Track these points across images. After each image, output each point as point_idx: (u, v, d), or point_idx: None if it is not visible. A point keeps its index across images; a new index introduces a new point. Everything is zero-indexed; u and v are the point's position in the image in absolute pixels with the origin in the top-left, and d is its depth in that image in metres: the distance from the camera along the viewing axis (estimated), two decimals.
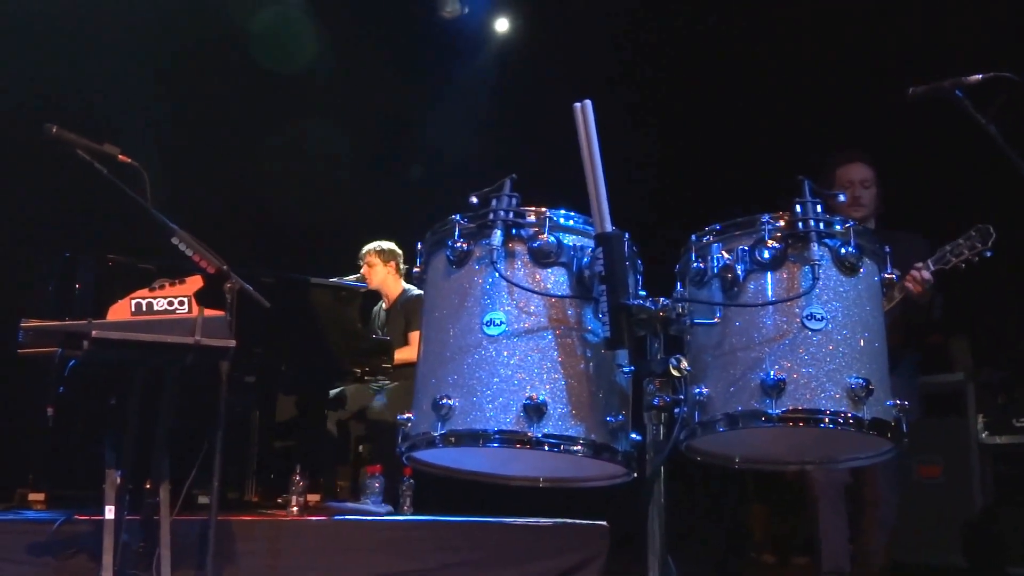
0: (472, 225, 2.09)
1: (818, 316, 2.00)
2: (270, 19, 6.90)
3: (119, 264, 4.09)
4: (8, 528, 4.17)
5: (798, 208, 2.06)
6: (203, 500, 4.20)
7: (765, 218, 2.08)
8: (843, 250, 2.04)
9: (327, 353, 5.02)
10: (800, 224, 2.04)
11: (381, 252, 5.85)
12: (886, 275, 2.14)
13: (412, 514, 5.02)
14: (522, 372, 2.01)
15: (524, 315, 2.03)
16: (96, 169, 3.56)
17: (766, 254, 2.05)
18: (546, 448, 1.99)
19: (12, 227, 5.90)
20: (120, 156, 3.61)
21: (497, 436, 2.00)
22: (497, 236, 2.05)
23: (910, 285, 3.62)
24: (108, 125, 4.71)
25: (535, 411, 1.98)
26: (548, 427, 1.99)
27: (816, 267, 2.01)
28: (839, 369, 1.98)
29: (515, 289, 2.03)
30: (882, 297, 2.13)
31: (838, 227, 2.06)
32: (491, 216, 2.07)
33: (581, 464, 2.14)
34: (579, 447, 2.00)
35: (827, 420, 1.97)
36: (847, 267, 2.05)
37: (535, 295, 2.03)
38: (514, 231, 2.06)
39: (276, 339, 4.69)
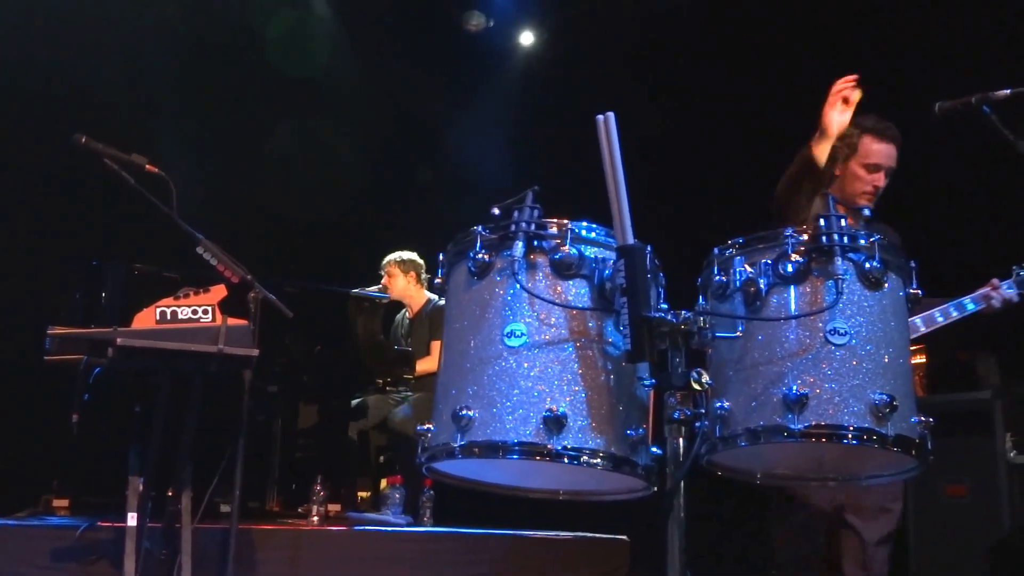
0: (494, 237, 2.09)
1: (841, 331, 1.98)
2: (293, 27, 6.96)
3: (145, 273, 4.14)
4: (32, 534, 4.21)
5: (822, 222, 2.04)
6: (224, 508, 4.21)
7: (788, 232, 2.07)
8: (867, 264, 2.03)
9: (349, 363, 5.04)
10: (824, 238, 2.03)
11: (401, 263, 5.87)
12: (911, 290, 2.11)
13: (432, 525, 5.02)
14: (542, 384, 2.00)
15: (545, 327, 2.02)
16: (123, 178, 3.60)
17: (789, 268, 2.03)
18: (565, 461, 1.98)
19: (40, 235, 5.97)
20: (147, 166, 3.64)
21: (517, 448, 1.99)
22: (518, 248, 2.04)
23: (993, 299, 3.55)
24: (132, 133, 4.77)
25: (555, 423, 1.98)
26: (568, 439, 1.98)
27: (840, 281, 1.99)
28: (862, 385, 1.96)
29: (536, 301, 2.02)
30: (907, 312, 2.11)
31: (862, 241, 2.05)
32: (513, 228, 2.07)
33: (600, 477, 2.13)
34: (599, 460, 1.99)
35: (850, 436, 1.95)
36: (871, 281, 2.03)
37: (556, 307, 2.02)
38: (535, 243, 2.06)
39: (298, 349, 4.71)
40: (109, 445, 4.43)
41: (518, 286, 2.02)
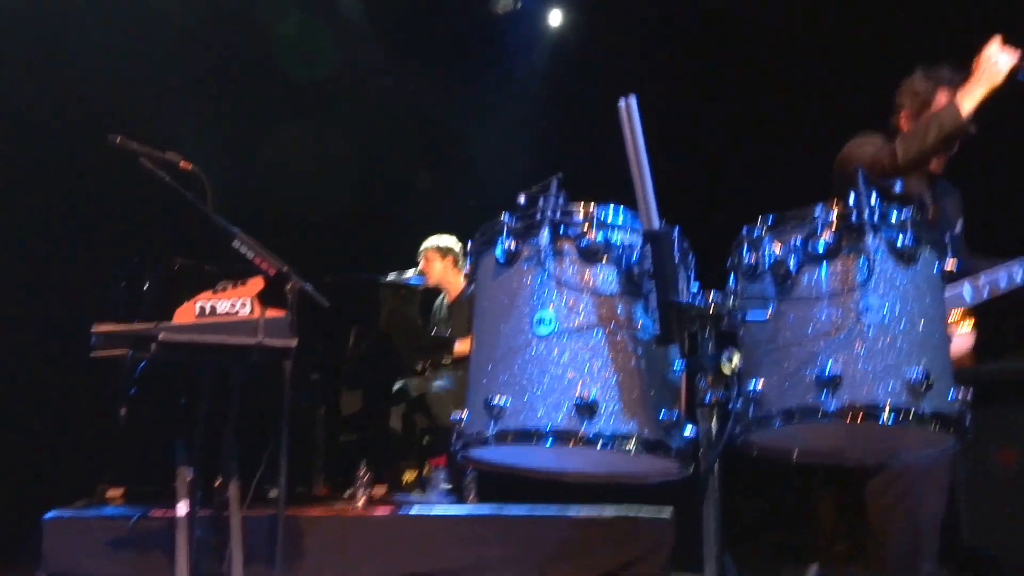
0: (520, 224, 2.09)
1: (874, 309, 1.95)
2: (317, 15, 6.96)
3: (184, 267, 4.20)
4: (88, 524, 4.33)
5: (852, 198, 2.01)
6: (272, 495, 4.28)
7: (818, 209, 2.04)
8: (899, 240, 1.99)
9: (388, 350, 5.08)
10: (854, 215, 1.99)
11: (439, 248, 5.89)
12: (946, 265, 2.08)
13: (476, 505, 5.06)
14: (573, 370, 2.00)
15: (574, 314, 2.02)
16: (158, 176, 3.65)
17: (819, 246, 2.00)
18: (598, 446, 1.98)
19: (82, 235, 6.09)
20: (182, 163, 3.69)
21: (549, 435, 2.00)
22: (545, 235, 2.04)
23: None
24: (162, 130, 4.83)
25: (586, 409, 1.98)
26: (600, 425, 1.98)
27: (871, 259, 1.97)
28: (897, 362, 1.94)
29: (564, 288, 2.02)
30: (942, 287, 2.08)
31: (894, 217, 2.01)
32: (539, 215, 2.06)
33: (635, 461, 2.13)
34: (632, 445, 1.99)
35: (885, 415, 1.93)
36: (904, 257, 2.00)
37: (584, 293, 2.02)
38: (562, 229, 2.06)
39: (338, 337, 4.76)
40: (158, 436, 4.52)
41: (546, 274, 2.03)
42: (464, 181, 7.19)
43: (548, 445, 2.01)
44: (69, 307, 5.10)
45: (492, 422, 2.04)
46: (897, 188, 2.19)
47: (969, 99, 3.13)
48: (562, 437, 1.99)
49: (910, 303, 1.98)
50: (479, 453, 2.19)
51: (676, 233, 2.09)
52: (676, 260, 2.02)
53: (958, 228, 3.39)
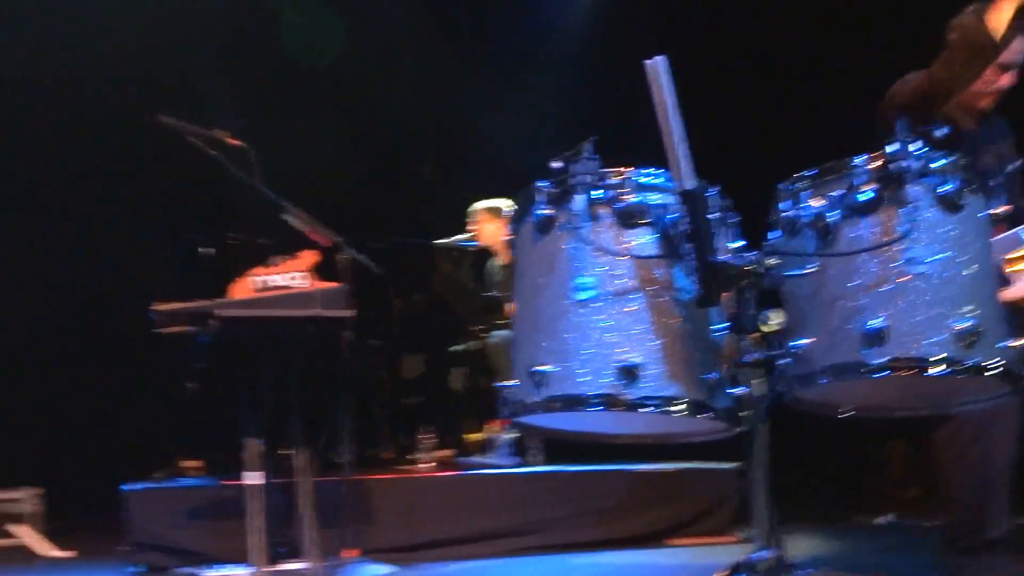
0: (555, 190, 2.08)
1: (918, 259, 1.91)
2: None
3: (239, 242, 4.27)
4: (167, 495, 4.48)
5: (892, 147, 1.96)
6: (339, 461, 4.38)
7: (857, 161, 1.99)
8: (942, 188, 1.94)
9: (445, 313, 5.12)
10: (894, 164, 1.94)
11: (489, 210, 5.88)
12: (995, 209, 2.02)
13: (541, 465, 5.10)
14: (615, 335, 2.00)
15: (613, 278, 2.01)
16: (207, 153, 3.70)
17: (860, 199, 1.96)
18: (643, 410, 1.98)
19: (139, 214, 6.22)
20: (229, 139, 3.74)
21: (594, 400, 2.01)
22: (580, 200, 2.03)
23: None
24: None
25: (630, 373, 1.98)
26: (644, 389, 1.98)
27: (914, 209, 1.92)
28: (944, 313, 1.90)
29: (602, 253, 2.02)
30: (989, 232, 2.02)
31: (937, 164, 1.96)
32: (573, 180, 2.05)
33: (681, 422, 2.13)
34: (677, 407, 1.99)
35: (934, 367, 1.89)
36: (948, 205, 1.94)
37: (622, 258, 2.01)
38: (597, 194, 2.04)
39: (393, 303, 4.81)
40: (226, 407, 4.65)
41: (582, 239, 2.02)
42: (499, 149, 7.13)
43: (594, 410, 2.02)
44: (136, 283, 5.25)
45: (538, 389, 2.06)
46: (941, 132, 2.12)
47: (997, 14, 3.01)
48: (607, 402, 2.00)
49: (956, 251, 1.93)
50: (528, 420, 2.20)
51: (714, 192, 2.06)
52: (714, 219, 2.00)
53: (1011, 168, 3.26)
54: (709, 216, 1.98)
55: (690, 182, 1.93)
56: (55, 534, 4.98)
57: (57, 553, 4.85)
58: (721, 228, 2.06)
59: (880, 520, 5.44)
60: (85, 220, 6.13)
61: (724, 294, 1.97)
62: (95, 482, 4.79)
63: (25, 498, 5.02)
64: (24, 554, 4.84)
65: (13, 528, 4.95)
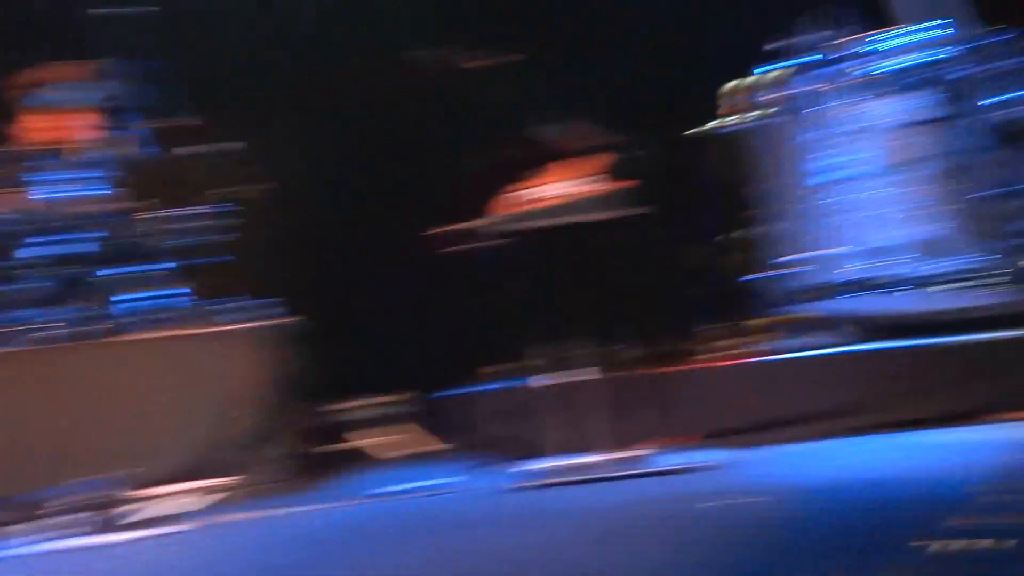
0: (796, 69, 1.94)
1: None
2: None
3: (508, 156, 4.35)
4: (477, 398, 4.78)
5: None
6: (628, 357, 4.41)
7: None
8: None
9: (725, 202, 4.95)
10: None
11: (740, 88, 5.57)
12: None
13: (850, 345, 4.77)
14: (899, 212, 1.85)
15: (882, 153, 1.86)
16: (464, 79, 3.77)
17: None
18: (935, 287, 1.84)
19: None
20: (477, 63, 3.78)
21: (892, 282, 1.89)
22: (824, 74, 1.88)
23: None
24: None
25: (924, 249, 1.83)
26: (940, 265, 1.83)
27: None
28: None
29: (859, 129, 1.86)
30: None
31: None
32: (816, 55, 1.90)
33: (973, 294, 1.95)
34: (969, 280, 1.82)
35: None
36: None
37: (883, 131, 1.84)
38: (839, 67, 1.87)
39: (668, 197, 4.72)
40: (514, 317, 4.83)
41: (834, 117, 1.87)
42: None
43: (892, 292, 1.90)
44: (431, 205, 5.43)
45: (827, 273, 1.96)
46: None
47: None
48: (903, 283, 1.87)
49: None
50: (811, 308, 2.11)
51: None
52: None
53: None
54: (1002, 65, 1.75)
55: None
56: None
57: (434, 448, 5.06)
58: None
59: None
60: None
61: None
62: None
63: (400, 401, 5.36)
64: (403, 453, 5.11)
65: (394, 428, 5.26)
